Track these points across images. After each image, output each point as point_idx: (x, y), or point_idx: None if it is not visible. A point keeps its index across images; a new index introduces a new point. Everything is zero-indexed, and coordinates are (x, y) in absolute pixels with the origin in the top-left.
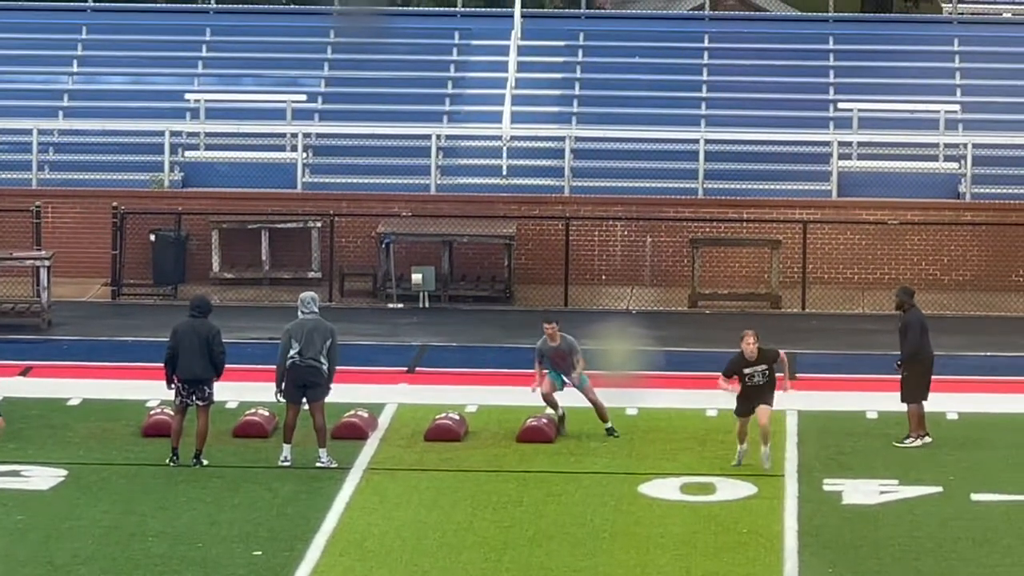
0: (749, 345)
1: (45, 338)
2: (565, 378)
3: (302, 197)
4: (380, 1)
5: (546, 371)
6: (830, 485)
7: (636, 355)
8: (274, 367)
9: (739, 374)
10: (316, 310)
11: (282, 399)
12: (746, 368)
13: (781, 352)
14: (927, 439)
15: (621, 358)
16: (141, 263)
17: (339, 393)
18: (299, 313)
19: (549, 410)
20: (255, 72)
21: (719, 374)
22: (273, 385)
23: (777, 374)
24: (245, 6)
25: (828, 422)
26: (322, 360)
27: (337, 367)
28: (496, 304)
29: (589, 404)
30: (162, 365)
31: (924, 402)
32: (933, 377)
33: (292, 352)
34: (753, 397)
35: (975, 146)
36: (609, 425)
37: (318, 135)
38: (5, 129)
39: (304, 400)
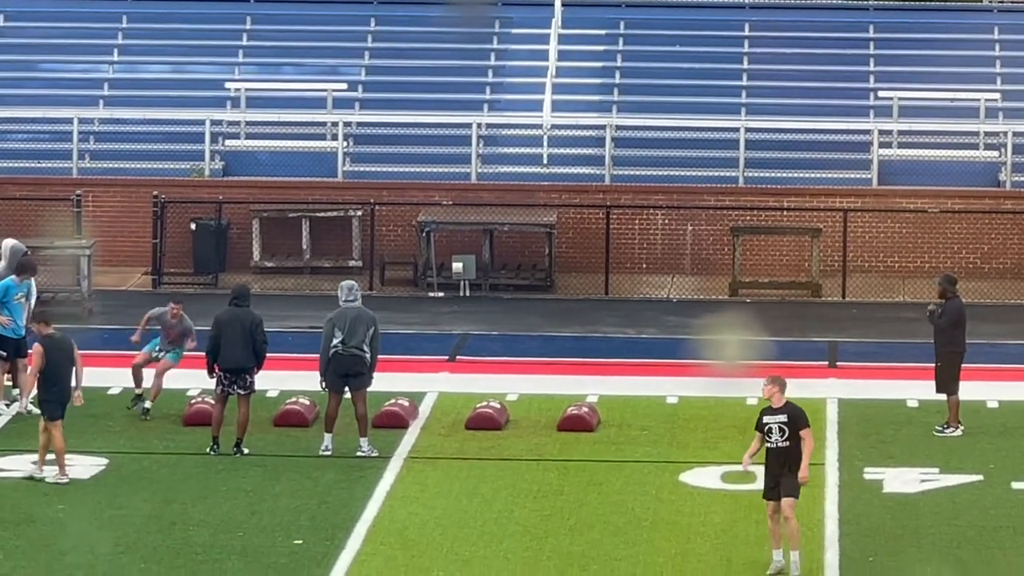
0: (766, 388)
1: (86, 327)
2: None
3: (343, 186)
4: None
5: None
6: (871, 474)
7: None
8: (315, 356)
9: (759, 426)
10: (358, 298)
11: (326, 388)
12: (766, 416)
13: (808, 428)
14: (961, 429)
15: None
16: (181, 252)
17: (380, 382)
18: (340, 302)
19: (590, 399)
20: (296, 61)
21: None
22: (316, 374)
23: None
24: None
25: (868, 410)
26: (365, 349)
27: (379, 356)
28: (537, 293)
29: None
30: (203, 354)
31: (959, 392)
32: (973, 365)
33: (335, 341)
34: (774, 467)
35: (1015, 134)
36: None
37: (359, 123)
38: (46, 118)
39: (347, 389)
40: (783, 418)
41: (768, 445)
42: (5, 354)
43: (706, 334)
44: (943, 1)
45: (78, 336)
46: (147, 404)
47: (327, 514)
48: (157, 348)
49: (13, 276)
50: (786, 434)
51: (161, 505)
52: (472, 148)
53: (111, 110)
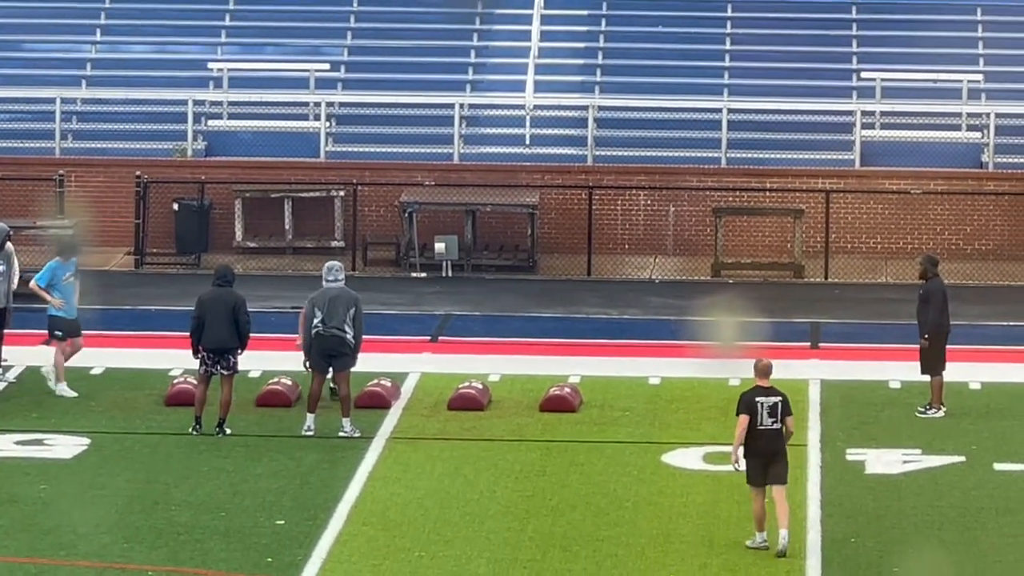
0: (765, 365)
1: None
2: None
3: (325, 166)
4: None
5: None
6: (853, 455)
7: (738, 327)
8: (296, 337)
9: (751, 408)
10: (341, 279)
11: (310, 369)
12: (759, 397)
13: (791, 415)
14: (944, 410)
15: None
16: (164, 232)
17: (362, 362)
18: (323, 282)
19: (572, 380)
20: (278, 41)
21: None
22: (300, 355)
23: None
24: None
25: (851, 392)
26: (347, 329)
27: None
28: (519, 273)
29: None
30: (186, 334)
31: (944, 373)
32: (956, 346)
33: (315, 321)
34: (763, 450)
35: (998, 115)
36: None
37: (341, 104)
38: (28, 98)
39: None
40: (778, 399)
41: (759, 427)
42: (61, 333)
43: (688, 315)
44: None
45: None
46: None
47: (309, 494)
48: None
49: (58, 257)
50: (777, 417)
51: (143, 485)
52: (455, 129)
53: (94, 90)
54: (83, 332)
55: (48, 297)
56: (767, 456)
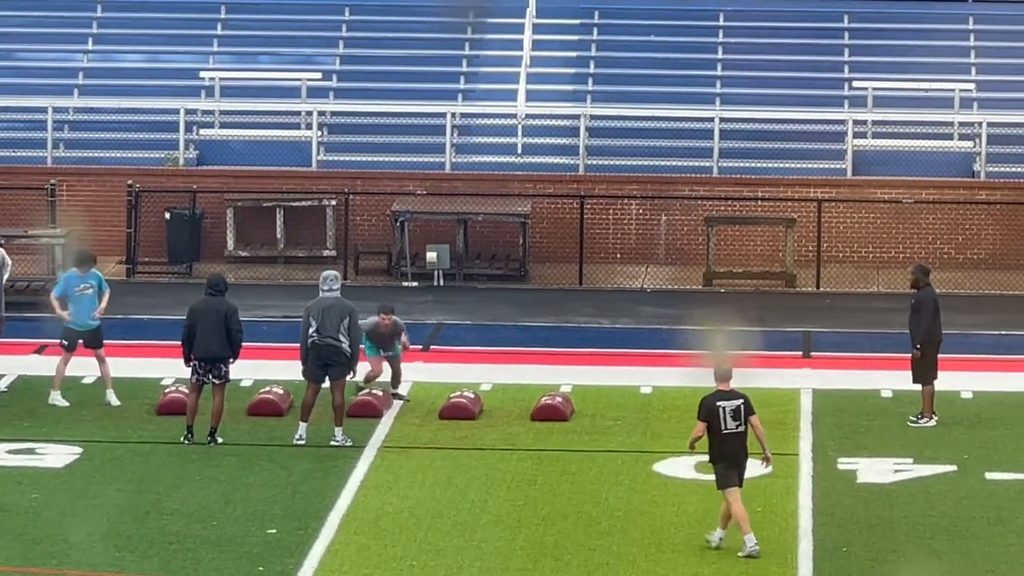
0: (726, 368)
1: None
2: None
3: (317, 175)
4: None
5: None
6: (845, 464)
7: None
8: (289, 345)
9: (712, 414)
10: (336, 288)
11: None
12: (720, 401)
13: (755, 413)
14: (935, 419)
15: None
16: (156, 241)
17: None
18: (319, 291)
19: (564, 389)
20: (270, 50)
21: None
22: (290, 363)
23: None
24: None
25: (843, 401)
26: (341, 338)
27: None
28: (511, 282)
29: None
30: (177, 343)
31: (935, 382)
32: (948, 355)
33: (311, 331)
34: (735, 452)
35: (990, 125)
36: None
37: (333, 113)
38: (20, 107)
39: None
40: (739, 402)
41: (724, 432)
42: (66, 343)
43: (680, 324)
44: None
45: (54, 325)
46: (402, 392)
47: (301, 503)
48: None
49: (75, 268)
50: (741, 420)
51: (135, 494)
52: (446, 138)
53: (86, 99)
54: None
55: (56, 308)
56: (735, 459)
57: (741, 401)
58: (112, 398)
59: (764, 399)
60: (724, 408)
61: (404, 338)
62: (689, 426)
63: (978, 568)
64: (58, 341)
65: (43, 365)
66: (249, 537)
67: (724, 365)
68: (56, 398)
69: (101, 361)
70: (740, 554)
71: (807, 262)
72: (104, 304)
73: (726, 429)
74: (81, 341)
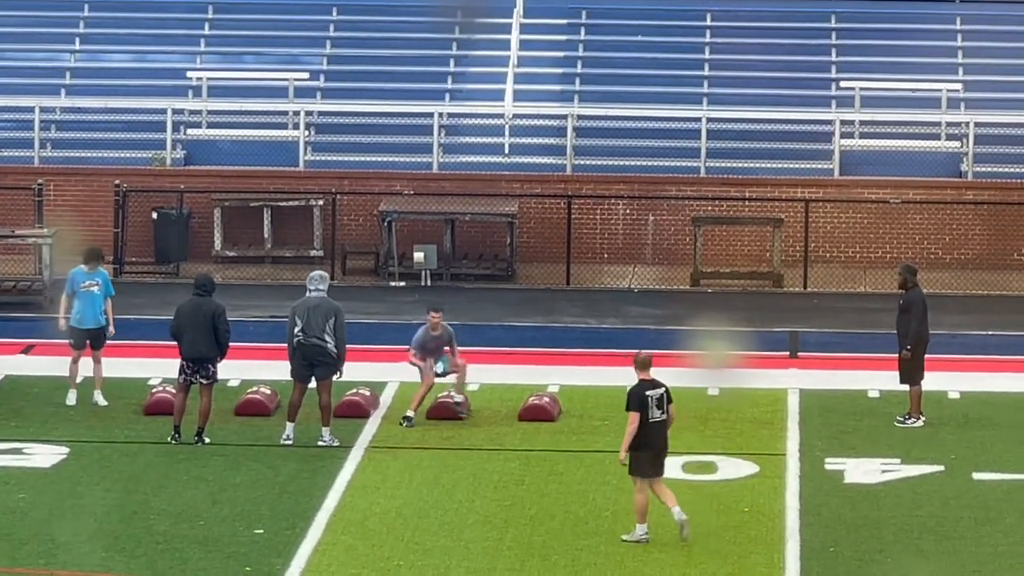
0: (645, 358)
1: (47, 316)
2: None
3: (304, 175)
4: None
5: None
6: (832, 464)
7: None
8: (276, 345)
9: (643, 403)
10: (322, 288)
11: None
12: (648, 391)
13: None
14: (923, 420)
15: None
16: (143, 241)
17: None
18: (306, 291)
19: (552, 389)
20: (257, 50)
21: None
22: (277, 363)
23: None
24: None
25: (830, 401)
26: (327, 339)
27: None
28: (498, 282)
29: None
30: (163, 343)
31: (923, 383)
32: (935, 356)
33: (296, 330)
34: (657, 440)
35: (977, 125)
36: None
37: (320, 113)
38: (7, 107)
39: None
40: (662, 390)
41: (651, 420)
42: (72, 342)
43: (667, 324)
44: None
45: (41, 325)
46: (459, 399)
47: (288, 504)
48: (438, 365)
49: (83, 265)
50: (664, 408)
51: (122, 494)
52: (434, 137)
53: (73, 99)
54: (62, 341)
55: (61, 310)
56: (658, 448)
57: (663, 390)
58: (99, 399)
59: (751, 399)
60: (651, 397)
61: (456, 355)
62: (677, 427)
63: (965, 568)
64: (67, 342)
65: (30, 365)
66: (236, 537)
67: (643, 353)
68: (72, 398)
69: (96, 362)
70: (626, 538)
71: (794, 262)
72: (109, 311)
73: (652, 418)
74: (87, 340)
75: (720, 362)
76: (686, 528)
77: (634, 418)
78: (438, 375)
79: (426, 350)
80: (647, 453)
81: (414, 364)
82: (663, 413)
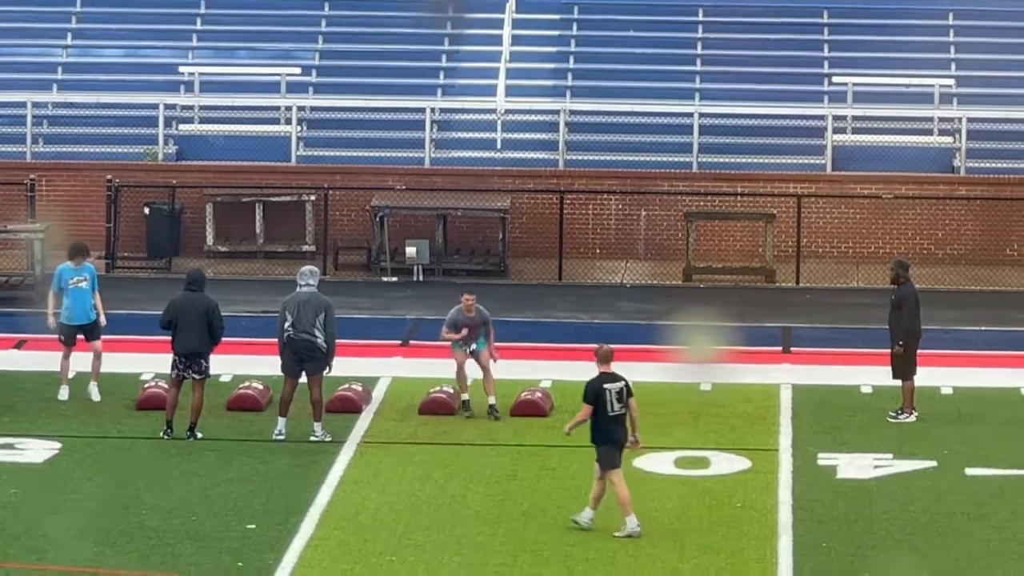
0: (606, 351)
1: (39, 311)
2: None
3: (296, 170)
4: None
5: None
6: (824, 459)
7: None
8: (268, 340)
9: (600, 396)
10: (312, 283)
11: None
12: (607, 384)
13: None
14: (915, 415)
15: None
16: (135, 236)
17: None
18: (296, 286)
19: (544, 384)
20: (250, 45)
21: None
22: (269, 358)
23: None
24: None
25: (823, 396)
26: (317, 334)
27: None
28: (490, 278)
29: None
30: (155, 338)
31: (915, 378)
32: (928, 351)
33: (286, 325)
34: (617, 438)
35: (970, 120)
36: (493, 402)
37: (312, 108)
38: None
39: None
40: (622, 384)
41: (611, 414)
42: (63, 338)
43: (660, 320)
44: None
45: (33, 320)
46: (492, 401)
47: (280, 499)
48: (474, 345)
49: (69, 261)
50: (623, 402)
51: (114, 489)
52: (426, 133)
53: (65, 94)
54: (54, 335)
55: (49, 307)
56: (619, 441)
57: (623, 383)
58: (94, 393)
59: (744, 394)
60: (610, 391)
61: (492, 349)
62: (668, 422)
63: (957, 564)
64: (56, 338)
65: (23, 360)
66: (228, 532)
67: (605, 347)
68: (64, 393)
69: (96, 355)
70: (618, 534)
71: (787, 257)
72: (98, 304)
73: (612, 411)
74: (81, 336)
75: (707, 356)
76: (585, 524)
77: (586, 410)
78: (471, 353)
79: (459, 329)
80: (607, 447)
81: (447, 339)
82: (623, 407)
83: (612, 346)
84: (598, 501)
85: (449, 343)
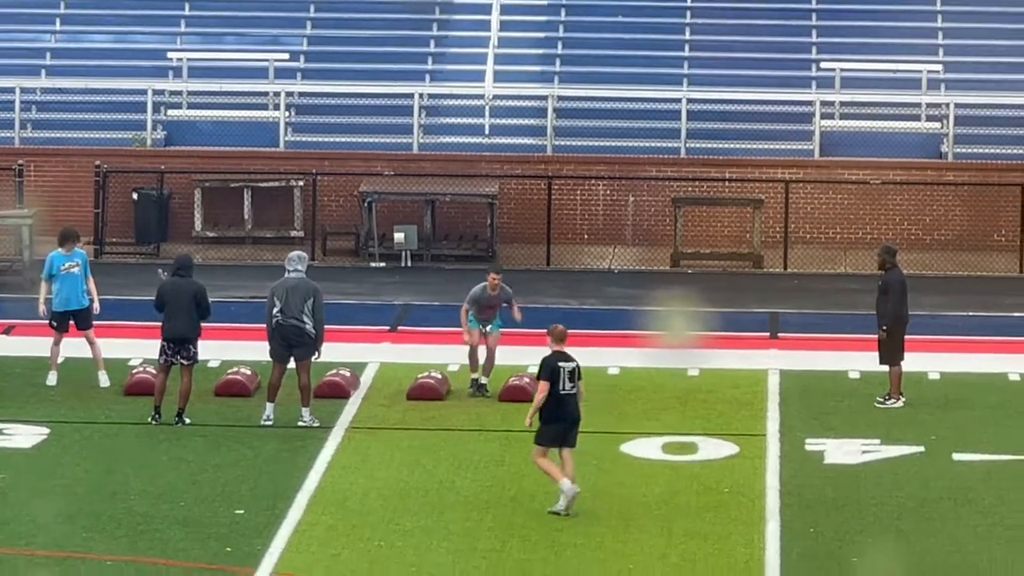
0: (559, 331)
1: (28, 297)
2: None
3: (284, 156)
4: None
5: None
6: (812, 445)
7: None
8: (256, 325)
9: (555, 373)
10: (301, 269)
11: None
12: (560, 362)
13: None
14: (903, 400)
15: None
16: (123, 222)
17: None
18: (285, 271)
19: (531, 370)
20: (238, 31)
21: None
22: (257, 344)
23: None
24: None
25: (810, 382)
26: (305, 320)
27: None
28: (478, 263)
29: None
30: (144, 324)
31: (902, 363)
32: (915, 336)
33: (275, 311)
34: (567, 417)
35: (957, 106)
36: (484, 381)
37: (300, 94)
38: None
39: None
40: (575, 364)
41: (562, 392)
42: (55, 324)
43: (647, 305)
44: None
45: (21, 306)
46: (483, 380)
47: (268, 484)
48: (489, 327)
49: (60, 248)
50: (575, 382)
51: (103, 475)
52: (414, 118)
53: (53, 80)
54: (43, 321)
55: (41, 293)
56: (569, 421)
57: (575, 364)
58: (103, 379)
59: (731, 380)
60: (564, 369)
61: (516, 310)
62: (657, 407)
63: (944, 548)
64: (47, 323)
65: (11, 345)
66: (217, 517)
67: (559, 326)
68: (52, 379)
69: (91, 343)
70: (553, 508)
71: (774, 243)
72: (92, 290)
73: (564, 390)
74: (72, 322)
75: (694, 341)
76: (572, 503)
77: (544, 387)
78: (484, 335)
79: (480, 306)
80: (557, 425)
81: (464, 318)
82: (574, 387)
83: (565, 328)
84: (561, 472)
85: (462, 329)
